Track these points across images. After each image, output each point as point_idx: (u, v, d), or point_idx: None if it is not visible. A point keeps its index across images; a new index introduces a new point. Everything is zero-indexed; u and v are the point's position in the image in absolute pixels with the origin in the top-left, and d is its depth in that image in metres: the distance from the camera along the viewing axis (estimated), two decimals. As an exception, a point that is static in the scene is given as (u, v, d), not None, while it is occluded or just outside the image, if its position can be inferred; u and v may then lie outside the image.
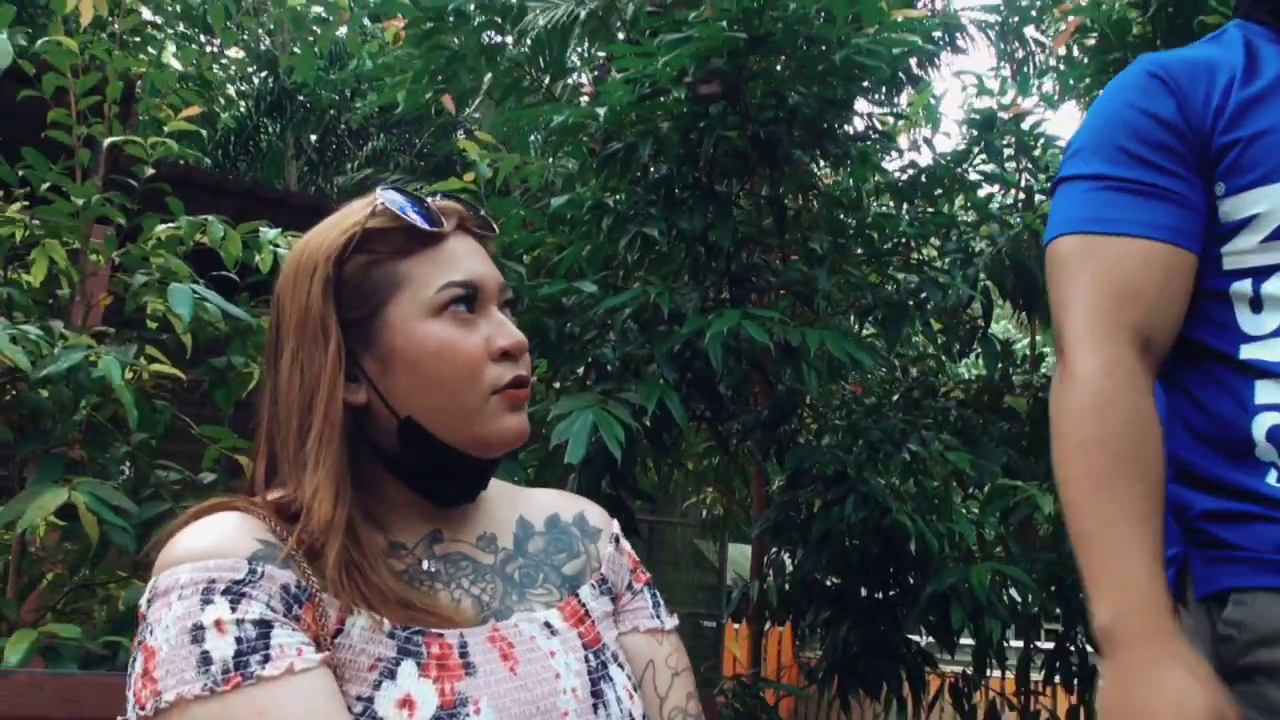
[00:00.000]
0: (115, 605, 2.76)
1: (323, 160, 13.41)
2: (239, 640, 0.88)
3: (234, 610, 0.89)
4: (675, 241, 2.93)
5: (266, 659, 0.88)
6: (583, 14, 3.36)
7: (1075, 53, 4.10)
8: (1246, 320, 1.20)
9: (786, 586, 3.36)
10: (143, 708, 0.88)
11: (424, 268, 1.03)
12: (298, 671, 0.88)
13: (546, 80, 3.45)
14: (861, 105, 3.64)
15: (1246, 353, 1.19)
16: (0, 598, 2.56)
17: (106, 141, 2.96)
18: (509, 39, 3.37)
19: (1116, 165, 1.23)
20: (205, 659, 0.87)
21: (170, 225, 3.03)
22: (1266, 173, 1.17)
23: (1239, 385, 1.18)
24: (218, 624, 0.88)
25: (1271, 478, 1.14)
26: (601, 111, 2.80)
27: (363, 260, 1.03)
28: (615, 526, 1.23)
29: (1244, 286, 1.20)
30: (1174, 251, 1.20)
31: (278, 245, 3.05)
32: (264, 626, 0.89)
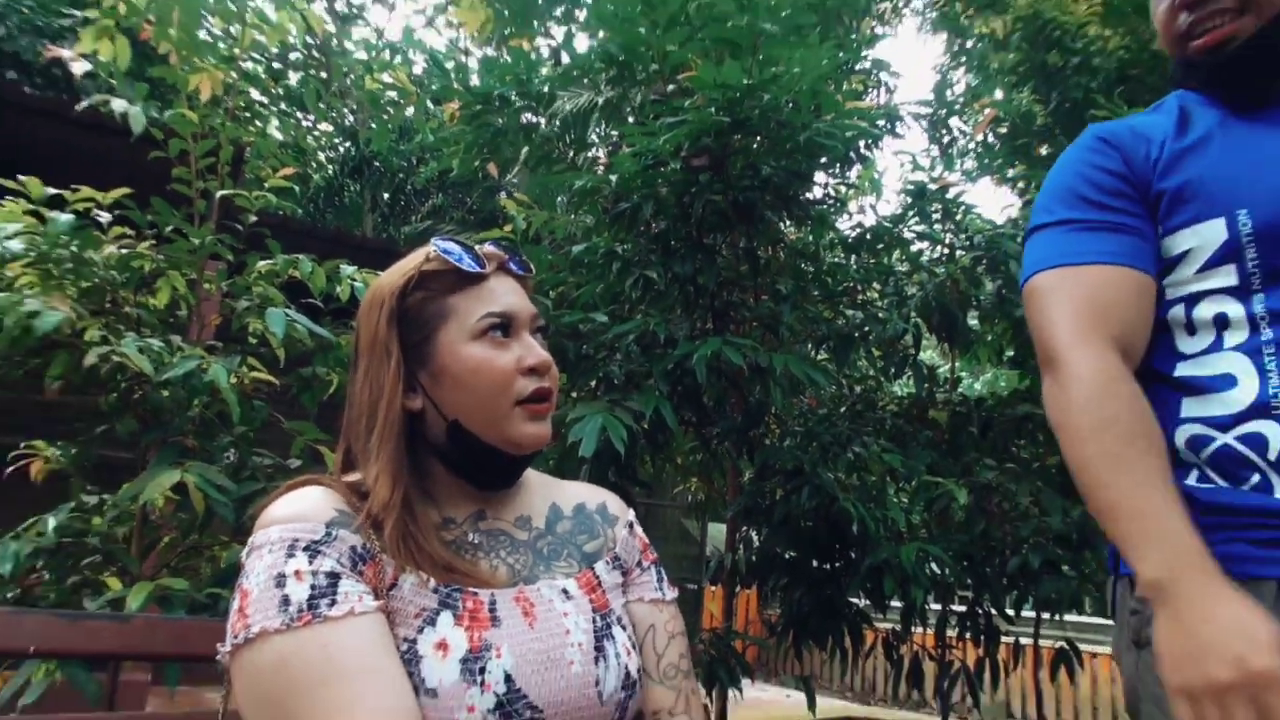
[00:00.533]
0: (218, 564, 2.75)
1: (393, 213, 13.40)
2: (313, 587, 0.89)
3: (311, 563, 0.91)
4: (670, 282, 2.92)
5: (334, 603, 0.89)
6: (600, 101, 3.35)
7: (990, 139, 4.10)
8: (1182, 342, 1.15)
9: (753, 558, 3.33)
10: (235, 637, 0.89)
11: (468, 301, 1.05)
12: (358, 614, 0.89)
13: (571, 153, 3.43)
14: (820, 176, 3.63)
15: (1180, 370, 1.14)
16: (125, 556, 2.55)
17: (218, 194, 2.96)
18: (542, 119, 3.35)
19: (1078, 210, 1.19)
20: (285, 601, 0.88)
21: (269, 262, 3.03)
22: (1195, 214, 1.13)
23: (1171, 400, 1.14)
24: (297, 573, 0.90)
25: (1192, 478, 1.10)
26: (613, 178, 2.79)
27: (420, 296, 1.05)
28: (631, 515, 1.22)
29: (1180, 312, 1.15)
30: (1138, 274, 1.15)
31: (355, 279, 3.05)
32: (333, 578, 0.90)
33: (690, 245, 2.90)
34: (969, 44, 4.36)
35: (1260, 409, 1.05)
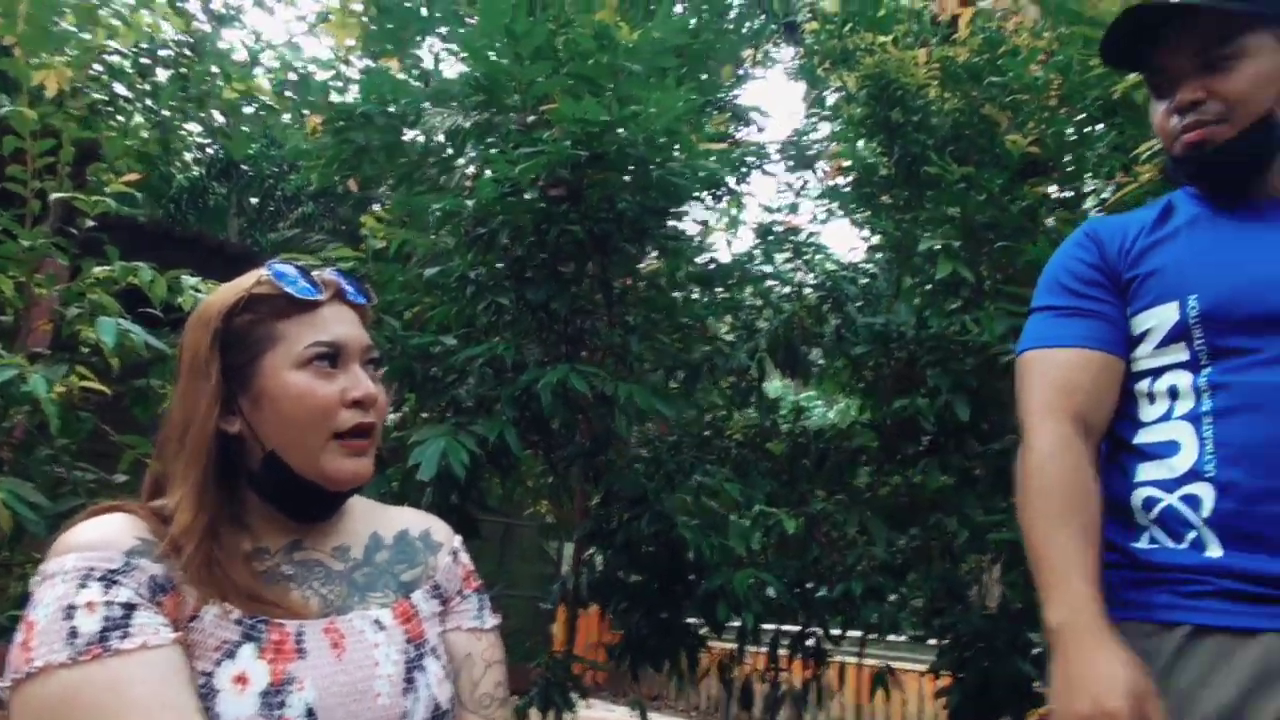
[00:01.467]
0: (27, 584, 2.60)
1: (260, 219, 12.93)
2: (105, 619, 0.86)
3: (105, 594, 0.88)
4: (523, 308, 2.94)
5: (126, 635, 0.86)
6: (467, 125, 3.36)
7: (841, 184, 4.31)
8: (1143, 411, 1.29)
9: (595, 580, 3.37)
10: (16, 672, 0.85)
11: (297, 328, 1.03)
12: (151, 647, 0.86)
13: (435, 174, 3.43)
14: (694, 207, 3.74)
15: (1138, 438, 1.28)
16: (-78, 574, 2.38)
17: (53, 197, 2.82)
18: (407, 139, 3.33)
19: (1059, 297, 1.35)
20: (73, 633, 0.85)
21: (106, 268, 2.90)
22: (1155, 298, 1.28)
23: (1130, 465, 1.28)
24: (89, 605, 0.87)
25: (1143, 541, 1.24)
26: (470, 203, 2.80)
27: (248, 318, 1.03)
28: (456, 541, 1.21)
29: (1144, 385, 1.29)
30: (1103, 356, 1.30)
31: (198, 290, 2.95)
32: (128, 609, 0.88)
33: (545, 272, 2.94)
34: (824, 94, 4.58)
35: (1196, 473, 1.20)
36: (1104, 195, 3.70)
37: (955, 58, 3.95)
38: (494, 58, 2.83)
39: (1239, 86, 1.24)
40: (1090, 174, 3.64)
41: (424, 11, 4.42)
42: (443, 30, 4.63)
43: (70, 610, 0.86)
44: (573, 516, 3.54)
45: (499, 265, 2.91)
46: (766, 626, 3.44)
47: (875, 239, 4.05)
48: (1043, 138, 3.56)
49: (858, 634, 3.59)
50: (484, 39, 2.83)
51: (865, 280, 3.58)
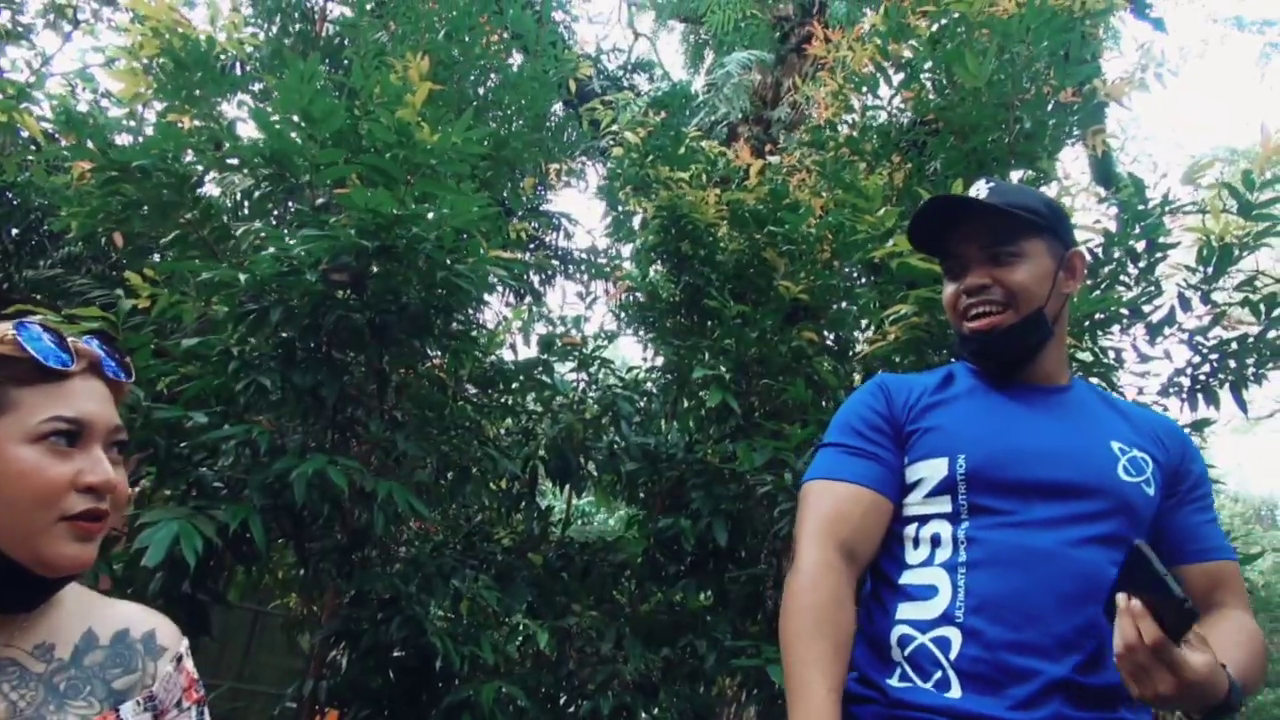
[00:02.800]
0: None
1: (19, 252, 11.71)
2: None
3: None
4: (289, 391, 2.81)
5: None
6: (256, 195, 3.24)
7: (628, 302, 4.46)
8: (908, 554, 1.39)
9: (337, 682, 3.17)
10: None
11: (38, 398, 0.92)
12: None
13: (212, 239, 3.25)
14: (492, 305, 3.72)
15: (902, 578, 1.37)
16: None
17: None
18: (185, 200, 3.16)
19: (845, 437, 1.47)
20: None
21: None
22: (929, 451, 1.40)
23: (891, 603, 1.37)
24: None
25: (894, 677, 1.31)
26: (243, 277, 2.68)
27: None
28: (183, 646, 1.09)
29: (911, 530, 1.39)
30: (873, 494, 1.40)
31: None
32: None
33: (317, 357, 2.83)
34: (622, 215, 4.79)
35: (948, 617, 1.29)
36: (862, 346, 4.05)
37: (744, 202, 4.26)
38: (288, 134, 2.77)
39: (1019, 279, 1.43)
40: (852, 325, 3.98)
41: (228, 71, 4.29)
42: (247, 93, 4.50)
43: None
44: (322, 613, 3.33)
45: (268, 343, 2.77)
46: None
47: (657, 360, 4.21)
48: (812, 287, 3.88)
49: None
50: (280, 115, 2.76)
51: (642, 401, 3.69)
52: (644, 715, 3.38)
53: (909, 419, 1.47)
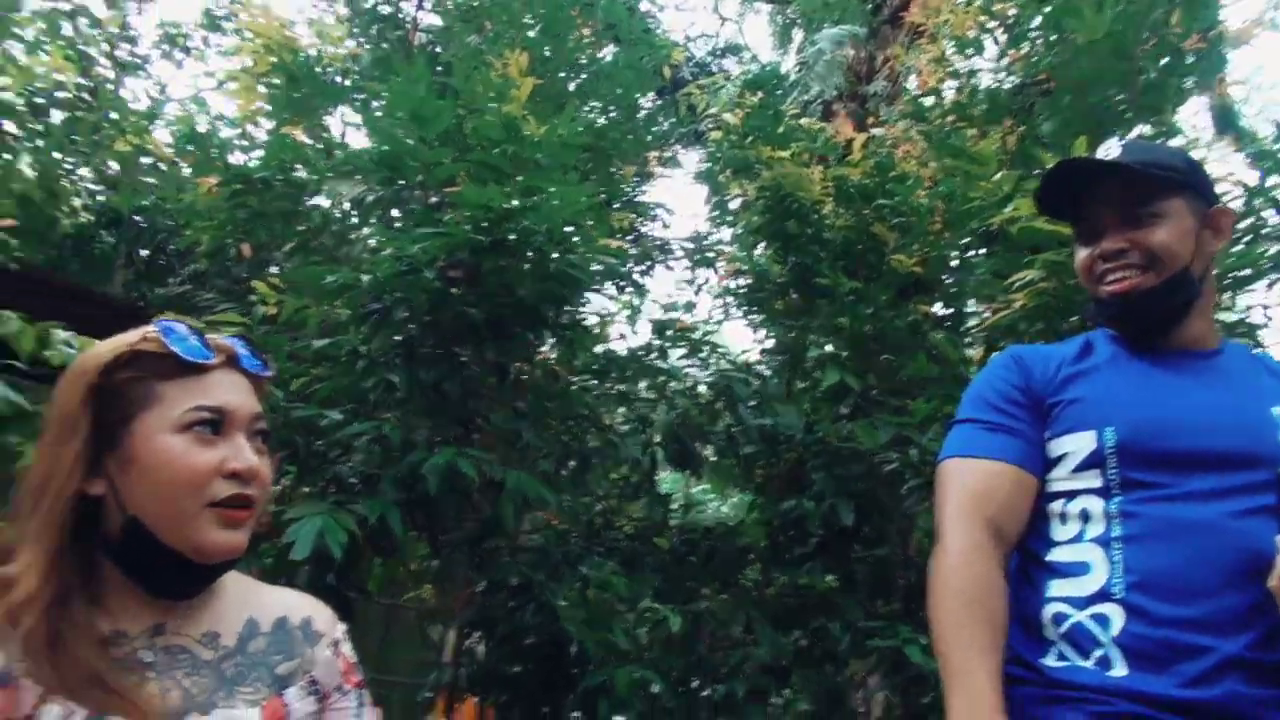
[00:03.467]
0: None
1: (149, 272, 12.40)
2: None
3: None
4: (415, 387, 2.88)
5: None
6: (370, 199, 3.33)
7: (736, 286, 4.43)
8: (1055, 530, 1.33)
9: (474, 670, 3.24)
10: None
11: (180, 391, 0.95)
12: None
13: (333, 245, 3.36)
14: (596, 298, 3.76)
15: (1050, 555, 1.31)
16: None
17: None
18: (307, 207, 3.27)
19: (981, 412, 1.40)
20: None
21: (-32, 317, 2.71)
22: (1073, 425, 1.33)
23: (1041, 580, 1.30)
24: None
25: (1050, 657, 1.26)
26: (366, 278, 2.76)
27: (127, 375, 0.95)
28: (339, 632, 1.10)
29: (1057, 506, 1.33)
30: (1016, 470, 1.33)
31: (70, 345, 2.78)
32: None
33: (439, 353, 2.90)
34: (724, 199, 4.75)
35: (1106, 594, 1.24)
36: (984, 315, 3.92)
37: (848, 178, 4.17)
38: (400, 136, 2.83)
39: (1160, 239, 1.34)
40: (971, 296, 3.85)
41: (334, 83, 4.43)
42: (352, 103, 4.64)
43: None
44: (456, 603, 3.41)
45: (392, 342, 2.85)
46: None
47: (768, 342, 4.16)
48: (926, 259, 3.76)
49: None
50: (391, 119, 2.83)
51: (757, 382, 3.64)
52: (775, 699, 3.36)
53: (1049, 391, 1.39)
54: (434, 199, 3.00)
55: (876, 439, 3.26)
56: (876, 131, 4.47)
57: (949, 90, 4.46)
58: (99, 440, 0.94)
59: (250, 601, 1.06)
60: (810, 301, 4.04)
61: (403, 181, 3.02)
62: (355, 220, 3.39)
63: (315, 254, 3.27)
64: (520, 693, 3.17)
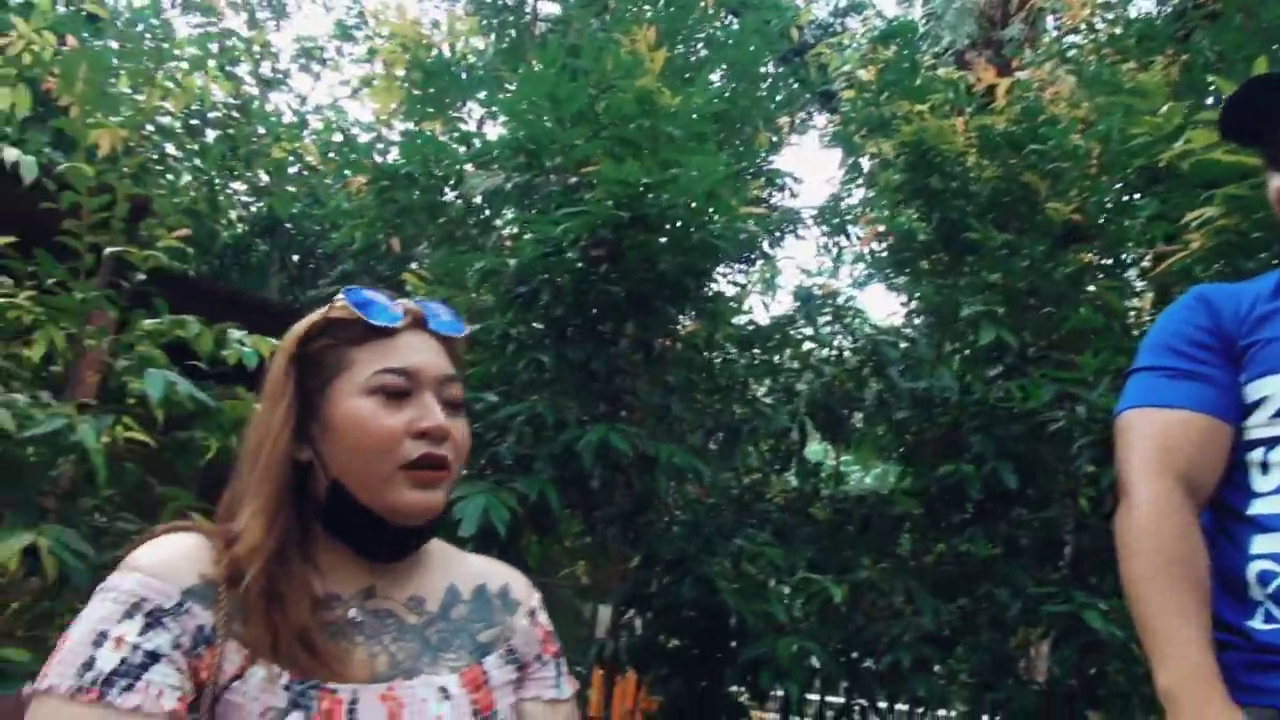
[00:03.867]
0: (67, 634, 2.57)
1: (302, 276, 13.13)
2: (123, 662, 0.80)
3: (140, 634, 0.82)
4: (563, 367, 2.93)
5: (131, 688, 0.80)
6: (508, 187, 3.40)
7: (878, 249, 4.30)
8: (1256, 481, 1.22)
9: (634, 644, 3.29)
10: (37, 681, 0.80)
11: (370, 354, 0.97)
12: (146, 713, 0.80)
13: (476, 234, 3.45)
14: (722, 270, 3.73)
15: (1252, 508, 1.21)
16: (-38, 624, 2.37)
17: (107, 251, 2.87)
18: (448, 199, 3.37)
19: (1166, 359, 1.29)
20: (89, 664, 0.80)
21: (154, 321, 2.93)
22: (1270, 366, 1.23)
23: (1242, 536, 1.21)
24: (119, 639, 0.81)
25: (1257, 619, 1.16)
26: (512, 262, 2.82)
27: (323, 343, 0.98)
28: (535, 600, 1.10)
29: (1257, 454, 1.23)
30: (1208, 419, 1.23)
31: (243, 344, 2.97)
32: (151, 659, 0.81)
33: (584, 332, 2.93)
34: (860, 160, 4.61)
35: None
36: (1145, 264, 3.67)
37: (993, 126, 3.97)
38: (536, 120, 2.87)
39: None
40: (1133, 242, 3.61)
41: (465, 77, 4.53)
42: (482, 95, 4.74)
43: (101, 637, 0.81)
44: (609, 578, 3.47)
45: (539, 324, 2.91)
46: (809, 697, 3.33)
47: (914, 304, 4.02)
48: (1084, 205, 3.54)
49: (903, 708, 3.46)
50: (526, 103, 2.87)
51: (906, 345, 3.52)
52: (936, 668, 3.26)
53: (1242, 332, 1.27)
54: (572, 180, 3.04)
55: (1039, 397, 3.11)
56: (1021, 75, 4.23)
57: (1101, 22, 4.17)
58: (303, 407, 0.97)
59: (451, 569, 1.06)
60: (958, 259, 3.88)
61: (540, 166, 3.06)
62: (491, 211, 3.47)
63: (459, 244, 3.36)
64: (678, 666, 3.20)
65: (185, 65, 3.64)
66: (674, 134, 2.78)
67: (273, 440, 0.95)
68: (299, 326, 1.01)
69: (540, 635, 1.08)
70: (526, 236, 2.82)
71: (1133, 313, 3.45)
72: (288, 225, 12.17)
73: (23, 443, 2.39)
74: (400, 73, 3.75)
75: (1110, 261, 3.78)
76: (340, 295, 1.01)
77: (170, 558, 0.89)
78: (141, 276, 2.91)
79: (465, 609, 1.03)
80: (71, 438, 2.37)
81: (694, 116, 2.71)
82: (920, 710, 3.47)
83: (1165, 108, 2.99)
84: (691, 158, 2.76)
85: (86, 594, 2.11)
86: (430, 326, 1.03)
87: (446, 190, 3.30)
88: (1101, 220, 3.65)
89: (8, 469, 2.48)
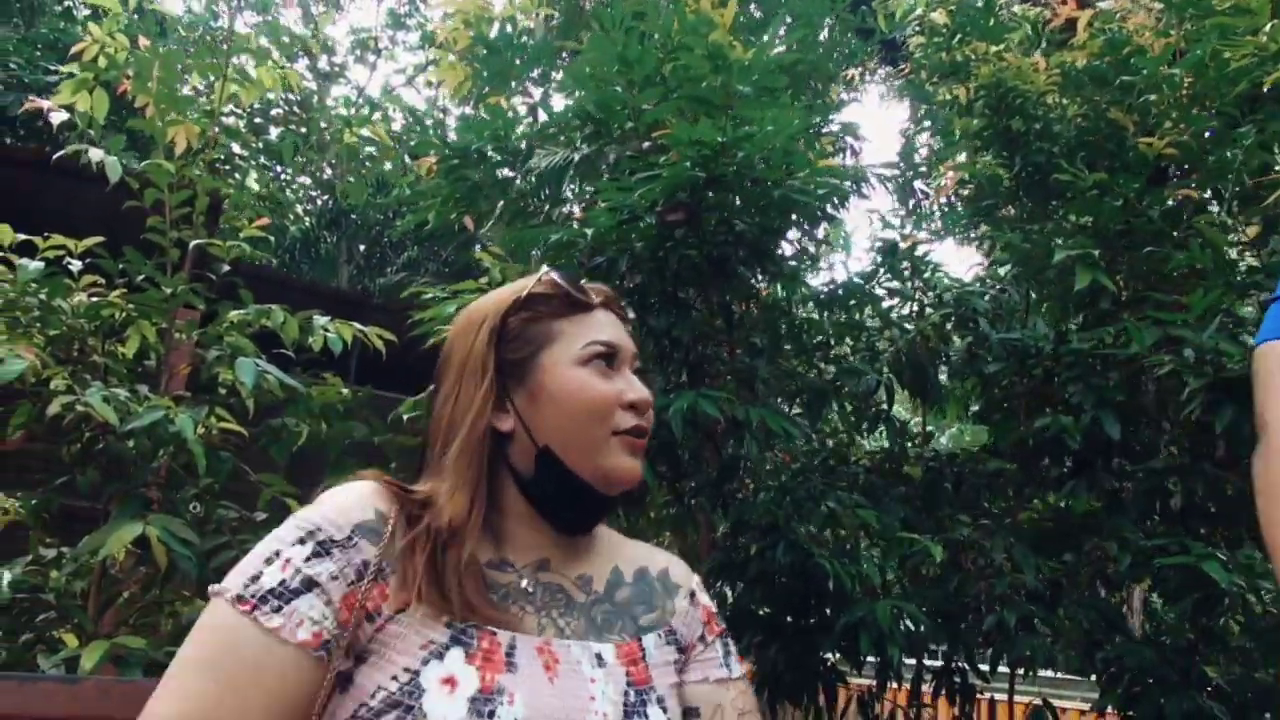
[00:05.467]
0: (179, 620, 2.64)
1: (369, 265, 13.35)
2: (282, 583, 0.85)
3: (305, 561, 0.87)
4: (646, 336, 2.88)
5: (278, 609, 0.84)
6: (576, 158, 3.35)
7: (954, 200, 4.14)
8: None
9: (728, 615, 3.25)
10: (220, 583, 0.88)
11: (576, 327, 1.01)
12: (279, 637, 0.83)
13: (546, 208, 3.42)
14: (792, 234, 3.63)
15: None
16: (80, 613, 2.44)
17: (192, 244, 2.91)
18: (517, 175, 3.34)
19: None
20: (255, 578, 0.86)
21: (241, 311, 2.97)
22: None
23: None
24: (286, 561, 0.86)
25: None
26: (589, 232, 2.77)
27: (525, 316, 1.01)
28: (695, 582, 1.12)
29: None
30: None
31: (327, 330, 2.99)
32: (307, 587, 0.86)
33: (665, 299, 2.88)
34: (933, 109, 4.44)
35: None
36: (1251, 192, 3.45)
37: (1074, 62, 3.78)
38: (605, 86, 2.81)
39: None
40: (1232, 175, 3.39)
41: (525, 54, 4.49)
42: (542, 70, 4.69)
43: (273, 556, 0.87)
44: (699, 548, 3.44)
45: (620, 292, 2.86)
46: (906, 661, 3.26)
47: (997, 253, 3.87)
48: (1179, 140, 3.34)
49: (1004, 670, 3.37)
50: (594, 68, 2.81)
51: (994, 294, 3.38)
52: (1039, 626, 3.16)
53: None
54: (644, 146, 2.97)
55: (1142, 341, 2.96)
56: (1103, 5, 4.01)
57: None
58: (504, 378, 1.00)
59: (615, 552, 1.08)
60: (1044, 204, 3.72)
61: (610, 135, 3.00)
62: (561, 185, 3.42)
63: (530, 218, 3.33)
64: (772, 634, 3.15)
65: (252, 60, 3.65)
66: (746, 91, 2.69)
67: (475, 414, 0.97)
68: (494, 302, 1.04)
69: (703, 616, 1.09)
70: (600, 205, 2.77)
71: (1236, 249, 3.26)
72: (353, 216, 12.37)
73: (124, 436, 2.44)
74: (461, 50, 3.71)
75: (1209, 195, 3.58)
76: (544, 272, 1.05)
77: (349, 498, 0.93)
78: (226, 268, 2.95)
79: (628, 591, 1.04)
80: (170, 429, 2.41)
81: (765, 71, 2.61)
82: (1023, 671, 3.38)
83: (1270, 26, 2.79)
84: (765, 112, 2.67)
85: (196, 581, 2.13)
86: (615, 306, 1.07)
87: (515, 166, 3.27)
88: (1198, 153, 3.45)
89: (112, 462, 2.54)
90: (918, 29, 4.06)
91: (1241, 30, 2.90)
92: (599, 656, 0.95)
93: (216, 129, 3.57)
